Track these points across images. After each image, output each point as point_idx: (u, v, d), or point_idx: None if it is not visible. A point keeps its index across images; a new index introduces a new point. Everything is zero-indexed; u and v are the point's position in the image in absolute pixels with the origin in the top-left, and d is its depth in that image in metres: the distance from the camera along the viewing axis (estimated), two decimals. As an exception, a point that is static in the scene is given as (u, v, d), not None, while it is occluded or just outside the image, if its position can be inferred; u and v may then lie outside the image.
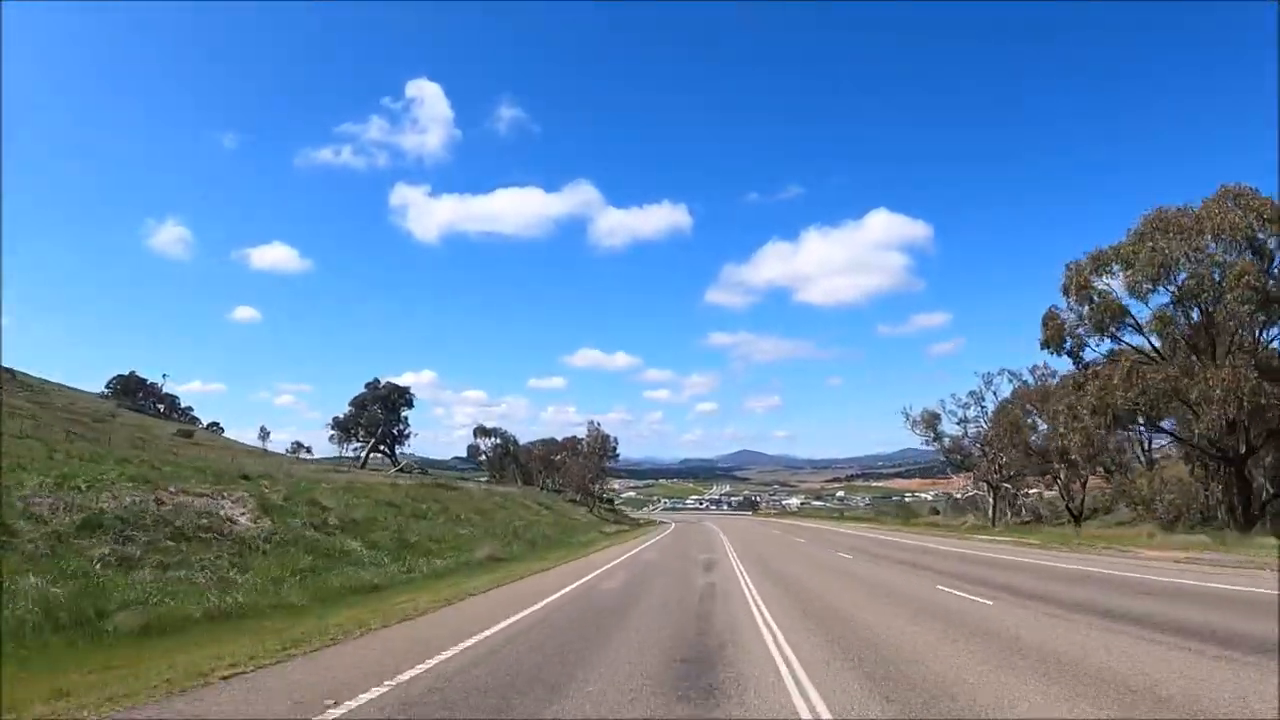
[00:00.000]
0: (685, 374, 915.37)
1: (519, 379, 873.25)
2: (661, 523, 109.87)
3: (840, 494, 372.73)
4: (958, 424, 73.92)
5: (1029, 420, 63.36)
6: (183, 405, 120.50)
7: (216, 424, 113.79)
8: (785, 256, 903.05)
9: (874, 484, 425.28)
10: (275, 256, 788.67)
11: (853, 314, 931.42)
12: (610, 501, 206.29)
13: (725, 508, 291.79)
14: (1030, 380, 67.82)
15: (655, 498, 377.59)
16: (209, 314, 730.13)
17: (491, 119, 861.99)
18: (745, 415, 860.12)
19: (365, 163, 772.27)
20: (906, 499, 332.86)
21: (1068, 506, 58.58)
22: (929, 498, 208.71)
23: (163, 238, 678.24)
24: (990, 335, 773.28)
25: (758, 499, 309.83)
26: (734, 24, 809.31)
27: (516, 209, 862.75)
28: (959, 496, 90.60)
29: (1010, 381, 69.86)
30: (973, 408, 72.74)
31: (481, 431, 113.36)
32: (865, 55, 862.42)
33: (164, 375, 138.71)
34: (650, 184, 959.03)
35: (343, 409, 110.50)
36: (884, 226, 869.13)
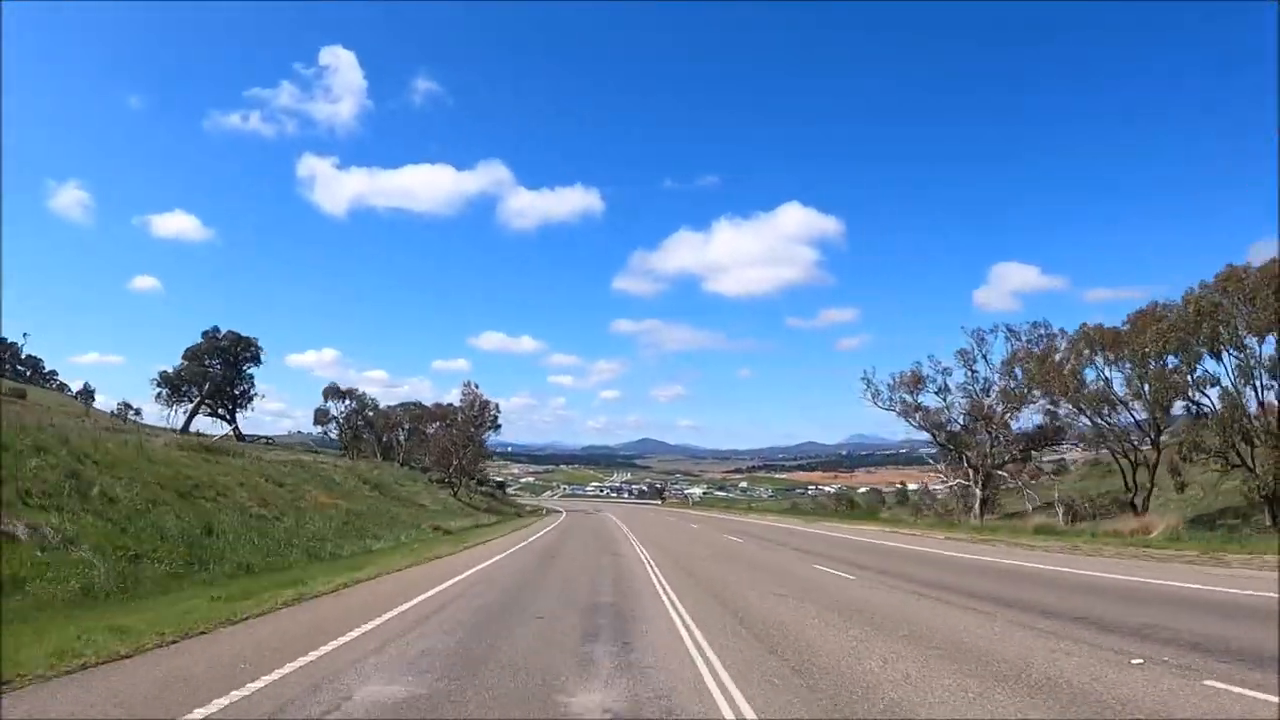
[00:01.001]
0: (591, 360, 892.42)
1: (423, 360, 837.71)
2: (554, 511, 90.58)
3: (743, 485, 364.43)
4: (936, 393, 56.37)
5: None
6: (47, 369, 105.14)
7: (89, 390, 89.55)
8: (696, 245, 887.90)
9: (776, 475, 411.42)
10: (178, 225, 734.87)
11: (763, 306, 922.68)
12: (502, 485, 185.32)
13: (626, 495, 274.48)
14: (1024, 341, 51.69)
15: (555, 484, 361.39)
16: (108, 282, 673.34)
17: (406, 91, 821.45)
18: (650, 403, 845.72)
19: (274, 130, 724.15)
20: (825, 489, 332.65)
21: (1132, 500, 40.73)
22: (843, 491, 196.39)
23: (63, 200, 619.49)
24: (896, 332, 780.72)
25: (663, 487, 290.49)
26: (656, 10, 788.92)
27: (427, 185, 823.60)
28: (940, 488, 72.58)
29: (1009, 340, 52.68)
30: (957, 372, 55.22)
31: (334, 393, 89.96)
32: (788, 46, 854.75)
33: (25, 335, 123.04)
34: (563, 166, 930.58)
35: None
36: (796, 220, 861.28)
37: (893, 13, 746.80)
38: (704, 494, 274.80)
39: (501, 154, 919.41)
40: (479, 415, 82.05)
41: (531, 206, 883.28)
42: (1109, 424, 44.18)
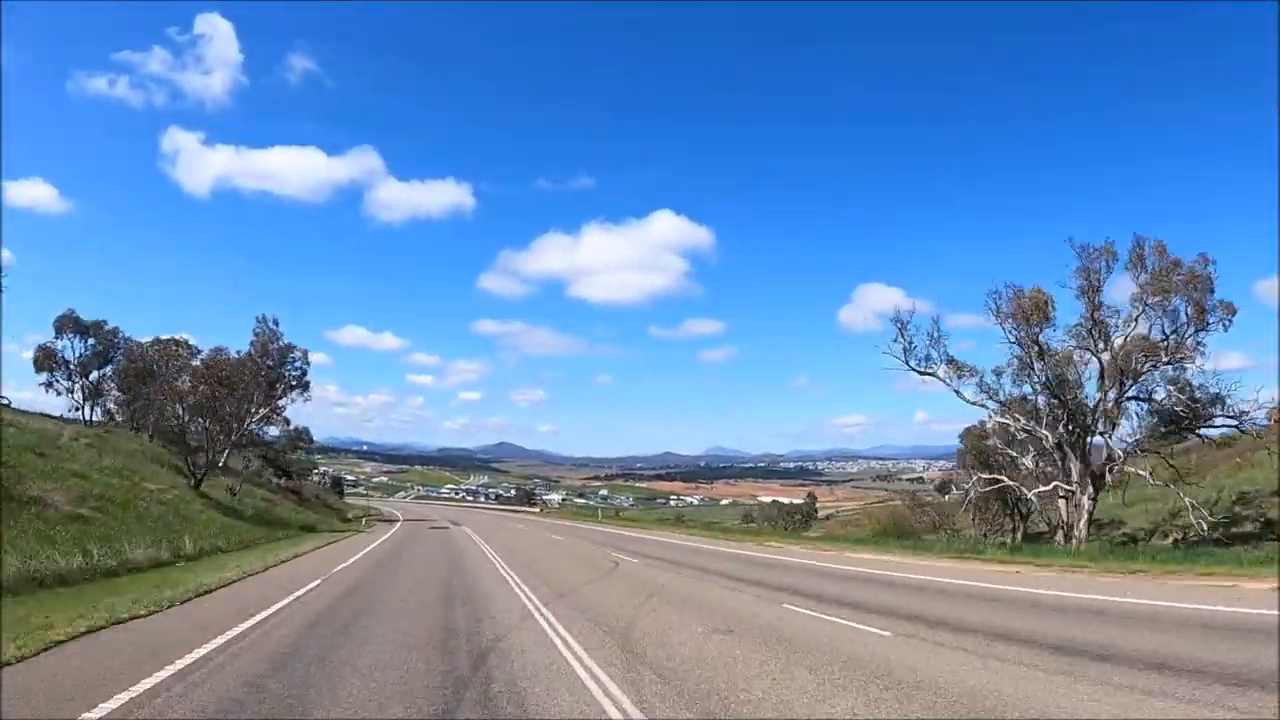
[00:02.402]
0: (452, 360, 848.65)
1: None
2: (388, 520, 63.57)
3: (603, 492, 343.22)
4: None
5: None
6: None
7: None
8: (566, 248, 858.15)
9: (635, 484, 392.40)
10: (35, 194, 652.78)
11: (628, 313, 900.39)
12: (338, 483, 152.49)
13: (483, 499, 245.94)
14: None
15: (410, 485, 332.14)
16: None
17: (282, 68, 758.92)
18: (510, 407, 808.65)
19: (142, 99, 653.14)
20: (672, 501, 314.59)
21: None
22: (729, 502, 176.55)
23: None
24: (760, 348, 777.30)
25: (533, 490, 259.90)
26: (540, 8, 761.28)
27: (295, 168, 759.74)
28: (957, 493, 49.93)
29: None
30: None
31: (70, 324, 57.81)
32: (668, 49, 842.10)
33: None
34: (437, 158, 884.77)
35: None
36: (668, 228, 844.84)
37: (768, 30, 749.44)
38: (563, 500, 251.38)
39: (375, 141, 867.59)
40: (279, 361, 55.09)
41: (401, 198, 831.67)
42: None
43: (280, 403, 55.77)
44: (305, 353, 57.06)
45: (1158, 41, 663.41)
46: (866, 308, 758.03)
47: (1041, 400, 35.04)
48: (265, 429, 65.11)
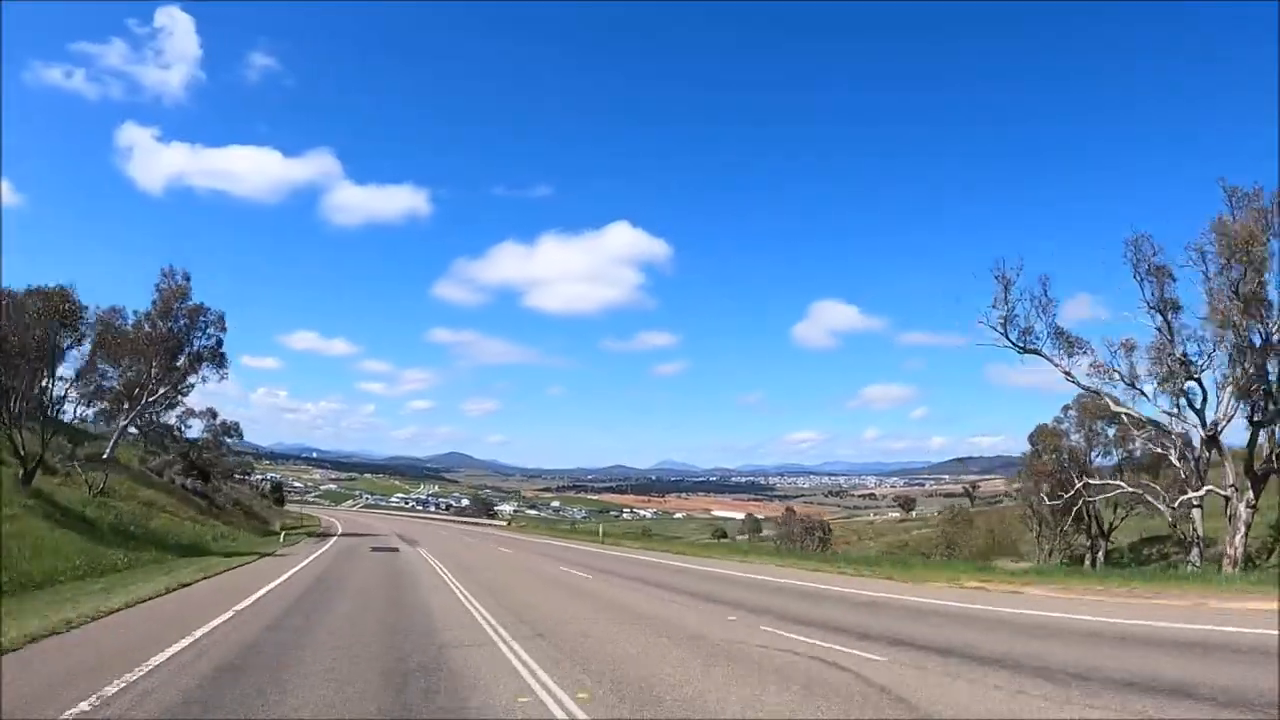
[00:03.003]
0: (404, 368, 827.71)
1: (229, 355, 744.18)
2: (324, 534, 51.59)
3: (555, 504, 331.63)
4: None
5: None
6: None
7: None
8: (521, 258, 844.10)
9: (587, 496, 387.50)
10: None
11: (582, 324, 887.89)
12: (278, 488, 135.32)
13: (433, 509, 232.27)
14: None
15: (357, 492, 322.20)
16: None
17: (242, 65, 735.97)
18: (461, 417, 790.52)
19: (98, 92, 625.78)
20: (625, 514, 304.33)
21: None
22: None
23: None
24: (713, 363, 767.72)
25: (494, 500, 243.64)
26: (503, 13, 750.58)
27: (251, 168, 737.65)
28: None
29: None
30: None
31: None
32: (632, 60, 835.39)
33: None
34: (395, 162, 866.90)
35: None
36: (624, 240, 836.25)
37: (735, 39, 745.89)
38: (515, 511, 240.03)
39: (332, 143, 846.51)
40: (184, 332, 42.12)
41: (358, 202, 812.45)
42: None
43: (189, 380, 43.48)
44: (221, 317, 44.41)
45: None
46: (822, 325, 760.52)
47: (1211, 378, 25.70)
48: (179, 419, 52.96)
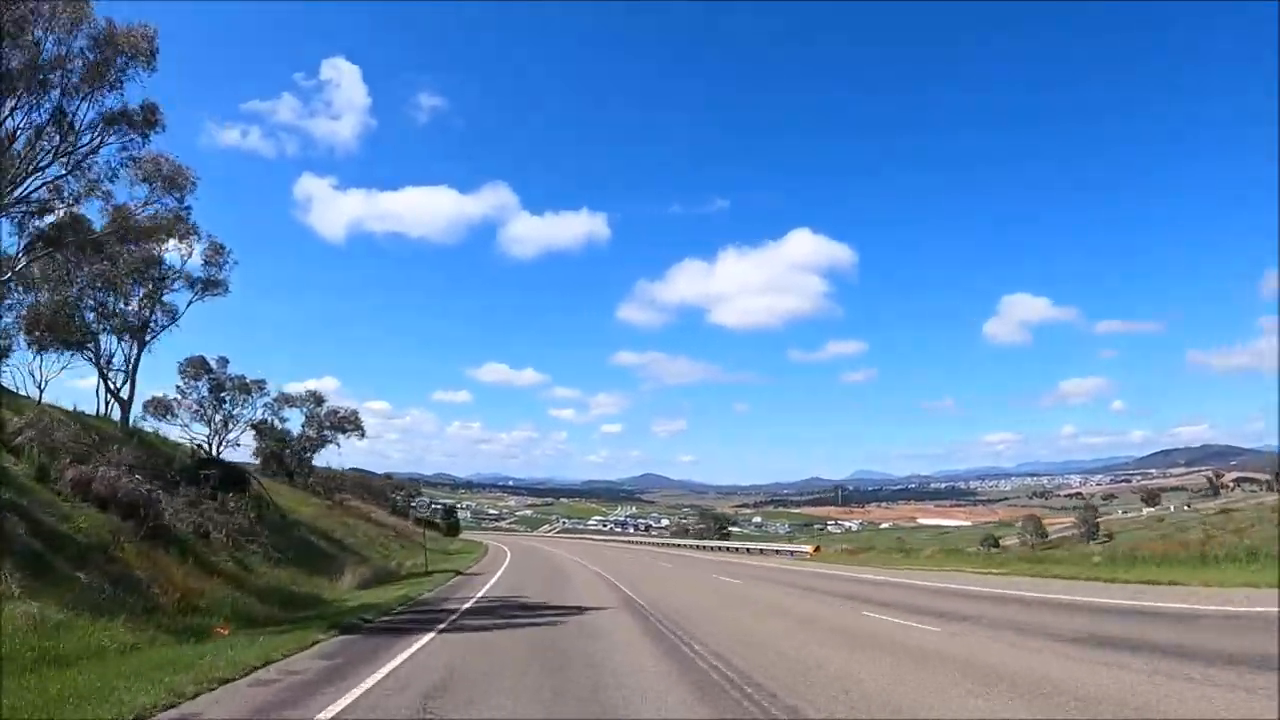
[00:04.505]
0: (592, 393, 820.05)
1: (423, 391, 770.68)
2: (474, 574, 27.69)
3: (756, 519, 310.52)
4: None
5: None
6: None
7: None
8: (701, 275, 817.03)
9: (791, 510, 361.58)
10: (174, 246, 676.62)
11: (766, 338, 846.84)
12: (451, 513, 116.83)
13: (632, 530, 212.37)
14: None
15: (554, 517, 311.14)
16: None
17: (410, 107, 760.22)
18: (650, 438, 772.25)
19: (273, 147, 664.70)
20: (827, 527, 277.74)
21: None
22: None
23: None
24: (903, 367, 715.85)
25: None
26: (666, 28, 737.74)
27: (427, 208, 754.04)
28: None
29: None
30: None
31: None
32: (804, 65, 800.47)
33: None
34: (569, 189, 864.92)
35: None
36: (805, 247, 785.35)
37: (907, 32, 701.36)
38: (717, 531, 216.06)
39: (506, 175, 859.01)
40: None
41: (535, 232, 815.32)
42: None
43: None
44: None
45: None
46: (1012, 319, 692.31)
47: None
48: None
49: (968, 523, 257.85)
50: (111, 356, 30.63)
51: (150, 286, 28.59)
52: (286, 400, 50.54)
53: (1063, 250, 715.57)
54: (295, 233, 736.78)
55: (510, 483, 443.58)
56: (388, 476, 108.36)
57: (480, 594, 21.64)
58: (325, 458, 53.18)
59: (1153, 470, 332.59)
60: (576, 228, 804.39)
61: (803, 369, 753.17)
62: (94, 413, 30.15)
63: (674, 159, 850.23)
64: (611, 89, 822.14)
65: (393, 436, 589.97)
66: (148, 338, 30.76)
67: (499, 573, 32.56)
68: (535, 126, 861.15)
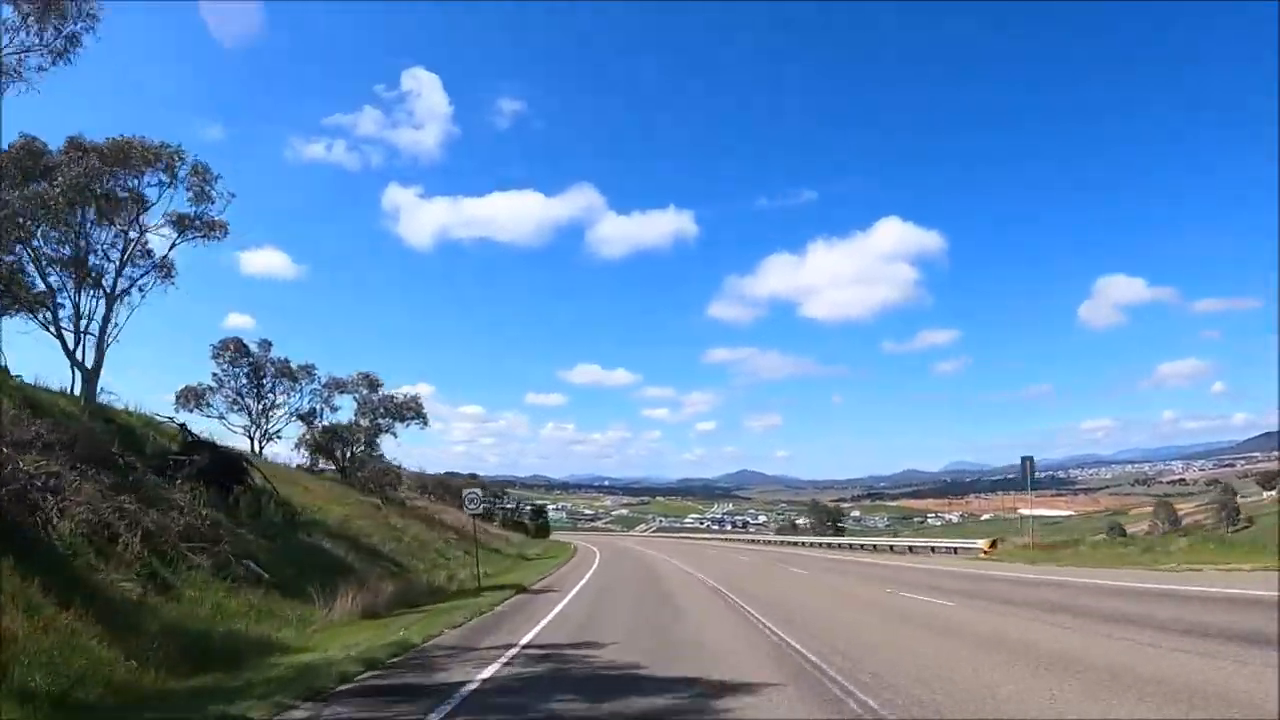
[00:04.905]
0: (685, 392, 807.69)
1: (517, 394, 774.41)
2: (550, 590, 19.79)
3: (855, 514, 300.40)
4: None
5: None
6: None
7: None
8: (791, 268, 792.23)
9: (888, 504, 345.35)
10: (268, 261, 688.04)
11: (857, 329, 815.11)
12: (541, 512, 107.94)
13: (730, 528, 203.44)
14: None
15: (650, 516, 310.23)
16: (201, 319, 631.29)
17: (491, 112, 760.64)
18: (745, 434, 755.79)
19: (358, 159, 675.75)
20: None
21: None
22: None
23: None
24: (996, 355, 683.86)
25: (781, 511, 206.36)
26: (746, 22, 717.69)
27: (513, 213, 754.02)
28: None
29: None
30: None
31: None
32: (889, 51, 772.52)
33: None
34: (655, 187, 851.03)
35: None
36: (894, 236, 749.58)
37: (993, 14, 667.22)
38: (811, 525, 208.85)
39: (590, 177, 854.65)
40: None
41: (622, 232, 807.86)
42: None
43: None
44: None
45: None
46: (1107, 302, 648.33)
47: None
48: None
49: (1070, 512, 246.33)
50: (82, 317, 23.55)
51: (98, 215, 21.30)
52: (337, 386, 43.87)
53: (1158, 227, 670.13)
54: (386, 243, 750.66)
55: (605, 483, 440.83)
56: (473, 476, 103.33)
57: (528, 637, 13.15)
58: (389, 451, 46.39)
59: (1256, 454, 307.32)
60: (664, 226, 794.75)
61: (895, 360, 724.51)
62: (63, 389, 23.22)
63: (758, 153, 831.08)
64: (689, 84, 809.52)
65: (488, 440, 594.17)
66: (118, 289, 23.55)
67: (576, 589, 24.03)
68: (616, 126, 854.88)
